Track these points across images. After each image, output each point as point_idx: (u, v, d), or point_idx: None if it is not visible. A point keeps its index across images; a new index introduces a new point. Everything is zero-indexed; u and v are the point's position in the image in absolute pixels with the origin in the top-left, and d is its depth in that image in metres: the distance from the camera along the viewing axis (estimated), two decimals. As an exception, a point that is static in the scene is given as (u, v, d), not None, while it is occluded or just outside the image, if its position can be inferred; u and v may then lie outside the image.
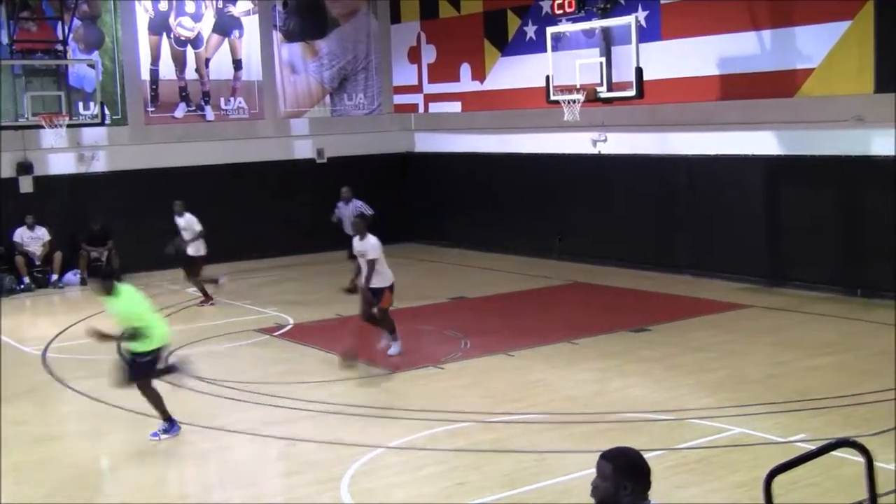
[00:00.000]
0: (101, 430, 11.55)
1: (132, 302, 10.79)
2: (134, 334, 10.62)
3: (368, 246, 13.71)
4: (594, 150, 20.69)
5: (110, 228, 21.54)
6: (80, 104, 21.76)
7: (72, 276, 21.29)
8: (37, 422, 11.98)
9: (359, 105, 25.31)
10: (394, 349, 14.06)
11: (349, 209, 18.57)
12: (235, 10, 23.75)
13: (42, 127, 20.76)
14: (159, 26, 22.91)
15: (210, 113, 23.54)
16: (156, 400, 10.94)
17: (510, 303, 17.85)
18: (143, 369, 10.85)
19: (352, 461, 9.83)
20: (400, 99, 25.53)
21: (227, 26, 23.70)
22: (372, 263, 13.61)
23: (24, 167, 21.44)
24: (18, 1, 21.02)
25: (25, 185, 21.47)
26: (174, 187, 22.32)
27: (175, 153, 22.86)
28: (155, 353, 10.90)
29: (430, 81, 24.63)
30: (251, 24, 23.94)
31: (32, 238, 21.10)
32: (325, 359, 14.20)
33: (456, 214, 24.34)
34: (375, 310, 13.82)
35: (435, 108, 24.65)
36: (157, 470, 10.24)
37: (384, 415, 11.37)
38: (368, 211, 18.25)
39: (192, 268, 18.53)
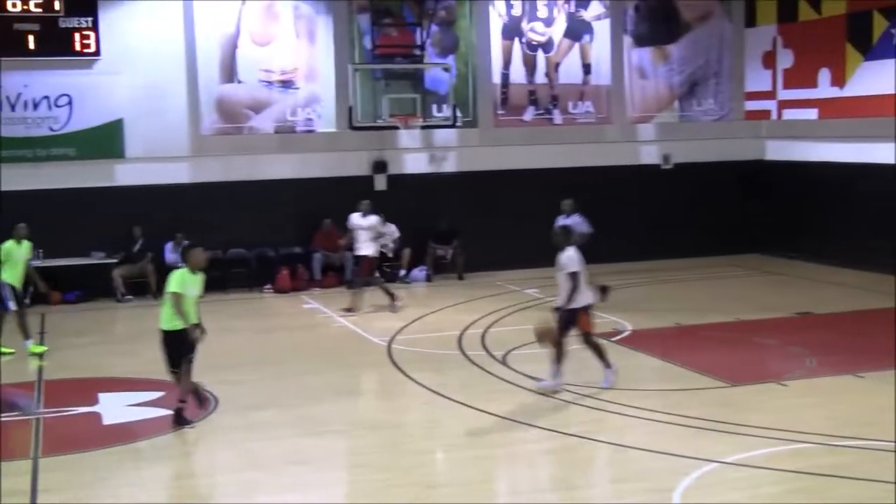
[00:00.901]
0: (438, 422, 11.82)
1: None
2: None
3: (564, 259, 12.63)
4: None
5: (456, 228, 22.16)
6: (434, 106, 22.50)
7: (418, 273, 22.09)
8: (379, 409, 12.44)
9: (708, 111, 24.70)
10: (606, 381, 12.73)
11: (569, 223, 17.84)
12: (587, 15, 23.78)
13: (397, 128, 21.70)
14: (512, 31, 23.31)
15: (558, 116, 23.70)
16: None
17: (862, 321, 16.77)
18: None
19: (685, 474, 9.51)
20: (752, 105, 24.67)
21: (578, 31, 23.76)
22: (567, 279, 12.52)
23: (380, 166, 22.47)
24: (382, 8, 22.09)
25: (380, 183, 22.46)
26: (520, 189, 22.79)
27: (522, 156, 23.21)
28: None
29: (784, 87, 23.64)
30: (602, 29, 23.90)
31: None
32: (662, 367, 13.94)
33: (806, 226, 23.23)
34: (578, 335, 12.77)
35: (789, 114, 23.63)
36: (486, 465, 10.34)
37: (721, 429, 10.93)
38: (586, 229, 17.64)
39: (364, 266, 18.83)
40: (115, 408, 12.30)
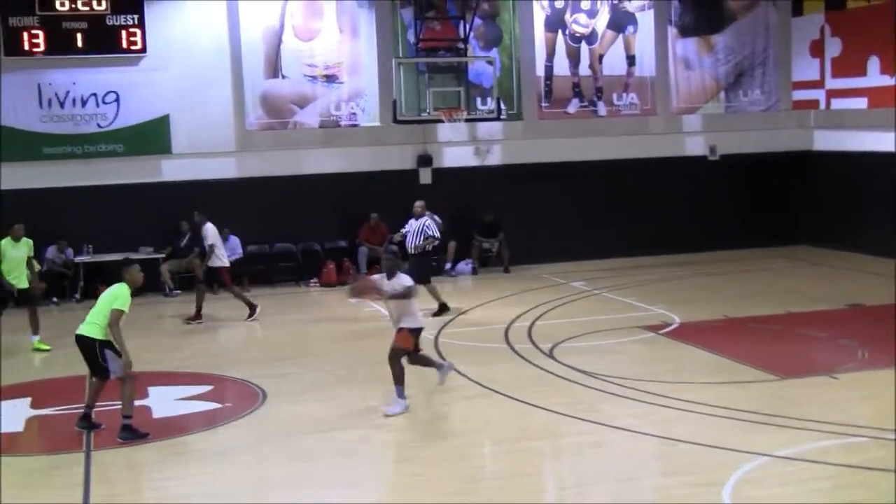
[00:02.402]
0: (487, 416, 11.77)
1: None
2: None
3: (401, 280, 11.96)
4: None
5: (501, 221, 22.13)
6: (478, 99, 22.44)
7: (464, 266, 22.08)
8: (425, 402, 12.42)
9: (755, 101, 24.45)
10: (392, 408, 11.77)
11: (418, 226, 17.58)
12: (630, 6, 23.61)
13: (442, 121, 21.68)
14: (555, 23, 23.21)
15: (602, 108, 23.57)
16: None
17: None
18: None
19: (735, 467, 9.43)
20: (799, 95, 24.39)
21: (621, 22, 23.63)
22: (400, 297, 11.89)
23: (424, 159, 22.47)
24: (425, 1, 22.08)
25: (425, 176, 22.47)
26: (565, 182, 22.75)
27: (566, 148, 23.13)
28: None
29: (833, 76, 23.33)
30: (646, 20, 23.73)
31: (423, 228, 22.10)
32: (710, 360, 13.82)
33: (856, 217, 22.93)
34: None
35: (838, 104, 23.32)
36: (532, 459, 10.31)
37: (771, 422, 10.82)
38: (434, 232, 17.38)
39: (212, 279, 17.90)
40: (164, 401, 12.40)
